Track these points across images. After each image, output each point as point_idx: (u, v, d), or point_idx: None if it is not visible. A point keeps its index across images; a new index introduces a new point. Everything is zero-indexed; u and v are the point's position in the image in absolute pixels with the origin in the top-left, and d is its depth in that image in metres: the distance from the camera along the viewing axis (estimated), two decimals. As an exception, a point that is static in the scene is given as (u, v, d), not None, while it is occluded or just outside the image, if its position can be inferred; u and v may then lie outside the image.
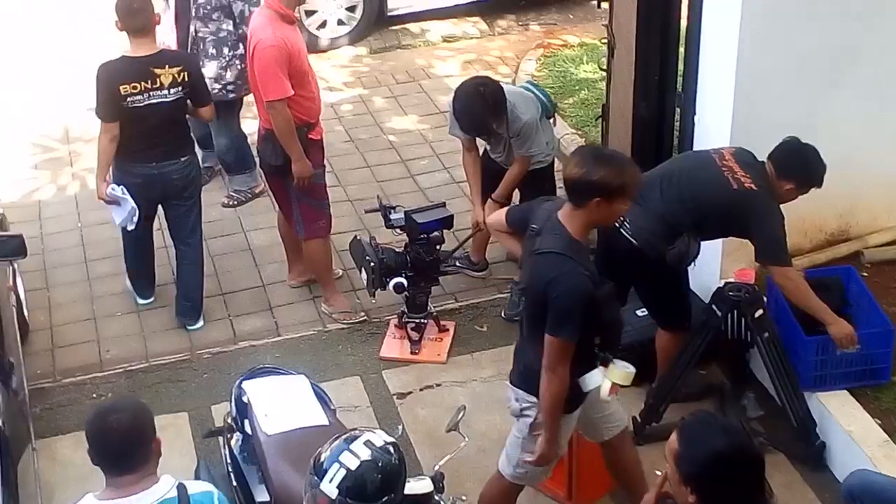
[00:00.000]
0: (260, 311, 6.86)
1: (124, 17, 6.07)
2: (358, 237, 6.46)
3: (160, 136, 6.27)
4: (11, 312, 5.96)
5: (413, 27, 10.30)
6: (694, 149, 6.13)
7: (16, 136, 8.70)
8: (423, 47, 10.05)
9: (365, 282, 6.32)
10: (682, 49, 6.25)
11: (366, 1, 9.92)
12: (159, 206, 6.63)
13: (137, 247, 6.77)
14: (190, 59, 6.57)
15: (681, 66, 6.32)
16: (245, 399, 4.85)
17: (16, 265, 6.43)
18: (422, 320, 6.44)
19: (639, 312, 5.87)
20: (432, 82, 9.33)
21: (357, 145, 8.46)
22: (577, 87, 8.96)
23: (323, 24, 9.92)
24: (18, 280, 6.57)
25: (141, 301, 6.96)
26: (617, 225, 5.32)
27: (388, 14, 10.09)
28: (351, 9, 9.92)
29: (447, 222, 6.30)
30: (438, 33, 10.24)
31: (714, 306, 5.52)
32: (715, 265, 6.06)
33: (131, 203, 6.33)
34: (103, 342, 6.62)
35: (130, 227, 6.44)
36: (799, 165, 5.22)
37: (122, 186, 6.30)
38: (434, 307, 6.53)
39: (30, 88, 9.29)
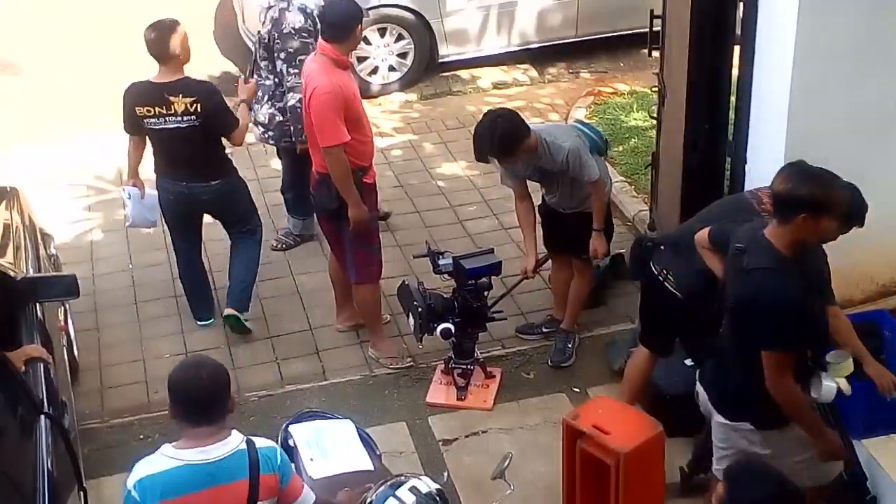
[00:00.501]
0: (307, 355, 6.87)
1: (146, 44, 6.47)
2: (406, 282, 6.47)
3: (183, 157, 6.59)
4: (62, 352, 6.02)
5: (464, 74, 10.35)
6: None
7: (71, 177, 8.80)
8: (474, 94, 10.09)
9: (412, 327, 6.32)
10: (733, 98, 6.23)
11: (417, 47, 9.98)
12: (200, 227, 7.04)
13: (184, 264, 7.10)
14: (206, 91, 6.60)
15: (732, 115, 6.29)
16: (291, 443, 4.85)
17: (68, 305, 6.50)
18: (468, 366, 6.43)
19: (687, 362, 5.83)
20: (482, 129, 9.38)
21: (406, 190, 8.50)
22: (627, 135, 8.96)
23: (374, 70, 9.99)
24: (70, 320, 6.64)
25: (198, 322, 7.13)
26: (661, 278, 5.32)
27: (440, 61, 10.15)
28: (402, 55, 9.99)
29: (495, 269, 6.29)
30: (489, 80, 10.28)
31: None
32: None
33: (129, 209, 6.97)
34: (151, 383, 6.66)
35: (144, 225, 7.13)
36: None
37: (129, 191, 6.88)
38: (481, 353, 6.51)
39: (87, 131, 9.41)
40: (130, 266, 7.78)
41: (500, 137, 6.03)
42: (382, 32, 9.83)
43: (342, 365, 6.77)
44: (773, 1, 5.65)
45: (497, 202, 8.14)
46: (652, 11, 6.97)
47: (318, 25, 6.53)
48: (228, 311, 6.94)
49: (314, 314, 7.21)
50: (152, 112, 6.46)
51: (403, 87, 10.10)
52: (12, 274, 5.74)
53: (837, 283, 5.12)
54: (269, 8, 7.21)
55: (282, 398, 6.48)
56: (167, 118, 6.46)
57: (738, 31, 5.97)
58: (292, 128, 7.23)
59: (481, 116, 6.33)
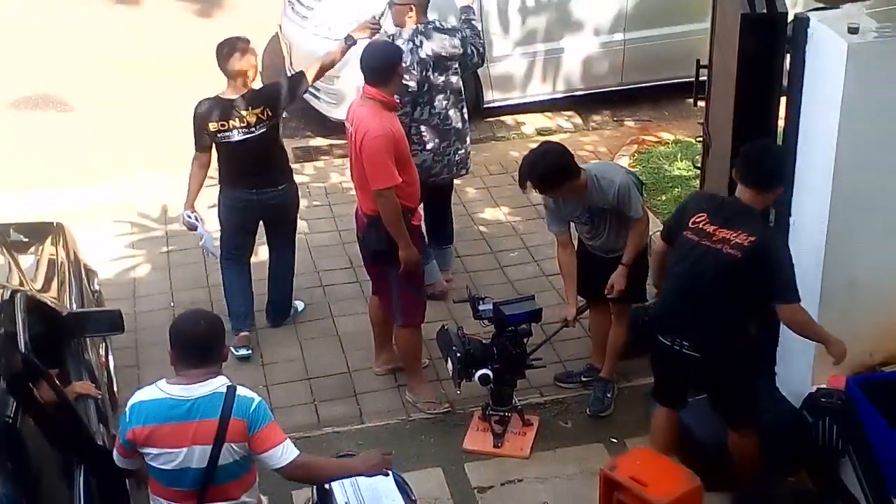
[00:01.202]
0: (345, 398, 6.87)
1: (217, 60, 6.82)
2: (446, 327, 6.46)
3: (255, 166, 6.96)
4: (104, 389, 6.03)
5: (508, 119, 10.37)
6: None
7: (116, 214, 8.88)
8: (518, 140, 10.10)
9: (451, 372, 6.31)
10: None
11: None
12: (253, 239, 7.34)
13: (232, 277, 7.32)
14: (271, 96, 6.97)
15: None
16: (326, 486, 4.84)
17: (109, 341, 6.53)
18: (506, 413, 6.40)
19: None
20: (525, 174, 9.38)
21: (448, 235, 8.51)
22: (670, 184, 8.93)
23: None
24: (110, 356, 6.67)
25: (234, 329, 7.23)
26: (676, 348, 5.38)
27: (484, 106, 10.17)
28: (447, 100, 10.01)
29: (535, 316, 6.27)
30: (533, 126, 10.30)
31: (805, 412, 5.41)
32: (806, 371, 5.94)
33: (204, 234, 7.14)
34: (189, 422, 6.65)
35: (213, 254, 7.33)
36: (776, 168, 5.42)
37: (195, 214, 7.07)
38: (519, 400, 6.48)
39: (132, 169, 9.51)
40: (172, 304, 7.82)
41: (544, 170, 6.09)
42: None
43: (380, 408, 6.76)
44: (820, 53, 5.63)
45: (538, 249, 8.13)
46: (698, 61, 6.98)
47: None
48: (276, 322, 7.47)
49: (353, 357, 7.21)
50: (225, 126, 6.84)
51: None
52: (57, 308, 5.79)
53: (885, 336, 5.07)
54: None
55: (318, 440, 6.46)
56: (239, 130, 6.84)
57: (785, 83, 5.95)
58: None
59: (537, 146, 6.40)
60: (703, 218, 5.30)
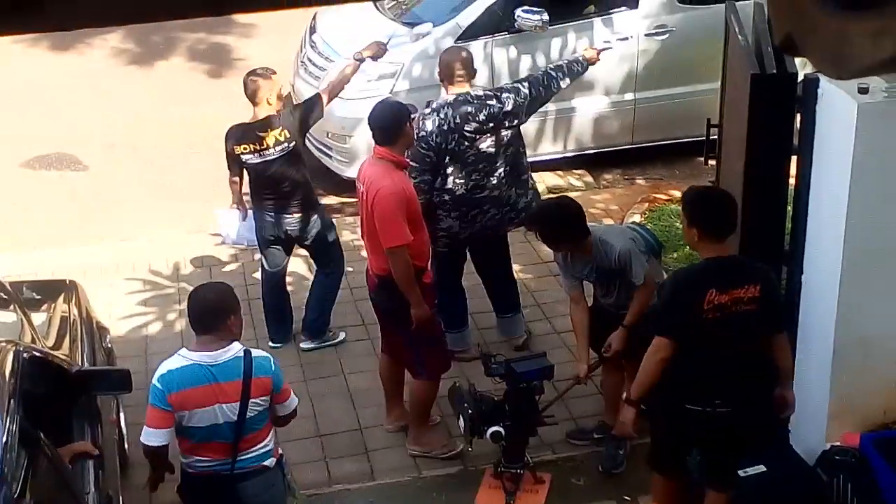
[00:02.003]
0: (356, 455, 6.85)
1: (244, 87, 7.40)
2: (458, 384, 6.46)
3: (274, 189, 7.40)
4: (113, 446, 6.04)
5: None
6: (801, 309, 6.06)
7: (128, 272, 8.92)
8: (529, 198, 10.13)
9: (462, 429, 6.29)
10: (789, 207, 6.22)
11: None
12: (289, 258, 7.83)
13: (269, 287, 7.85)
14: (287, 116, 7.33)
15: (788, 225, 6.28)
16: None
17: (120, 399, 6.54)
18: (518, 470, 6.37)
19: (741, 472, 5.74)
20: (537, 233, 9.41)
21: (460, 292, 8.52)
22: (681, 242, 8.90)
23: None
24: (122, 413, 6.67)
25: (271, 344, 7.66)
26: (709, 409, 5.33)
27: (496, 164, 10.21)
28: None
29: (547, 373, 6.27)
30: (544, 184, 10.32)
31: (819, 470, 5.38)
32: (820, 428, 5.92)
33: (228, 228, 7.96)
34: (200, 479, 6.64)
35: (232, 241, 8.17)
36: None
37: (224, 212, 7.88)
38: (531, 458, 6.46)
39: (144, 227, 9.56)
40: (184, 361, 7.82)
41: (545, 221, 6.23)
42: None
43: (391, 466, 6.74)
44: (830, 113, 5.67)
45: (550, 306, 8.14)
46: (709, 120, 7.02)
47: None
48: (305, 345, 7.83)
49: (364, 414, 7.20)
50: (248, 149, 7.31)
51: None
52: (67, 366, 5.80)
53: None
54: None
55: (329, 498, 6.45)
56: (261, 152, 7.30)
57: (795, 142, 5.99)
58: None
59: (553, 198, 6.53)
60: (713, 295, 5.19)
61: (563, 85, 7.52)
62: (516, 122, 7.26)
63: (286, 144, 7.28)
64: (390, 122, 6.38)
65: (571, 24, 9.88)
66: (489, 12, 9.70)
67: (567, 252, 6.32)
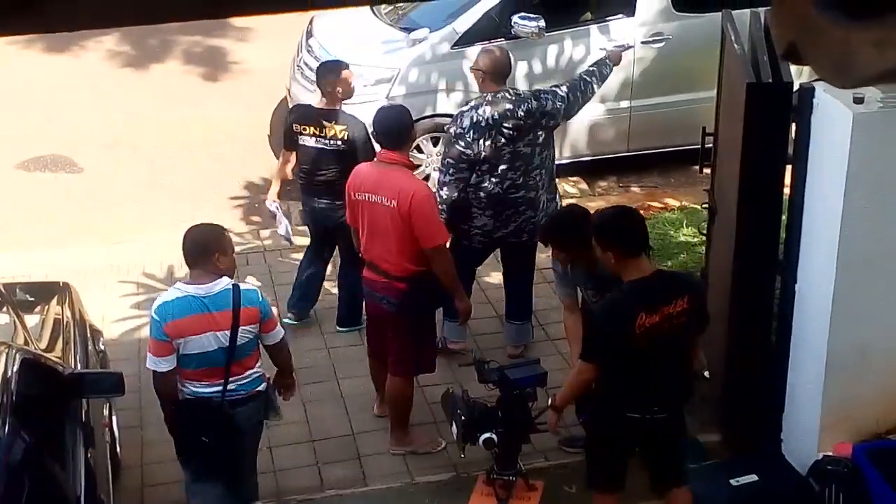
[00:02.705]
0: (348, 460, 6.84)
1: (315, 77, 7.78)
2: (451, 390, 6.45)
3: (321, 176, 7.57)
4: (105, 448, 6.03)
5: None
6: (794, 318, 6.07)
7: (122, 274, 8.90)
8: (524, 204, 10.13)
9: (455, 436, 6.28)
10: (784, 216, 6.23)
11: (469, 157, 10.05)
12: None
13: (303, 269, 8.03)
14: (356, 124, 7.46)
15: (782, 234, 6.29)
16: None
17: (113, 402, 6.52)
18: (511, 477, 6.36)
19: (733, 482, 5.75)
20: (531, 239, 9.40)
21: (454, 298, 8.52)
22: (676, 251, 8.95)
23: (427, 179, 10.07)
24: (114, 416, 6.66)
25: (287, 315, 7.94)
26: (648, 416, 5.38)
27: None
28: (454, 164, 10.06)
29: (541, 380, 6.26)
30: (539, 191, 10.33)
31: (811, 480, 5.38)
32: (813, 438, 5.92)
33: (283, 221, 8.08)
34: (192, 483, 6.63)
35: (288, 240, 8.28)
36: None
37: (276, 203, 8.04)
38: (523, 464, 6.45)
39: (139, 230, 9.55)
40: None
41: (562, 226, 6.24)
42: (435, 141, 9.94)
43: (384, 471, 6.73)
44: (825, 122, 5.68)
45: (544, 313, 8.13)
46: (704, 128, 7.03)
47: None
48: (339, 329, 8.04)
49: (357, 419, 7.19)
50: (308, 131, 7.55)
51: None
52: (59, 368, 5.79)
53: None
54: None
55: (321, 503, 6.43)
56: (318, 138, 7.50)
57: (791, 151, 5.99)
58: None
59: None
60: (643, 318, 5.16)
61: (596, 89, 7.66)
62: (552, 123, 7.32)
63: (341, 143, 7.45)
64: (399, 126, 6.46)
65: (568, 30, 9.88)
66: (486, 18, 9.71)
67: (573, 258, 6.28)
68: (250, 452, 5.91)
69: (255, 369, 5.72)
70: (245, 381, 5.67)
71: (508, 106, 7.12)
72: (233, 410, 5.64)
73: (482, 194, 7.22)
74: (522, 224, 7.31)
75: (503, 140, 7.12)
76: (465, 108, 7.26)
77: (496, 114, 7.09)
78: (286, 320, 7.85)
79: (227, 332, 5.52)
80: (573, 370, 5.55)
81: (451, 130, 7.22)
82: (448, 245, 6.73)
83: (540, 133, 7.22)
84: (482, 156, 7.12)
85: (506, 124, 7.10)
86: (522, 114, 7.13)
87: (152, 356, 5.58)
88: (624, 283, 5.30)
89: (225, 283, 5.56)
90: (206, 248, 5.57)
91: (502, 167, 7.17)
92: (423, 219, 6.32)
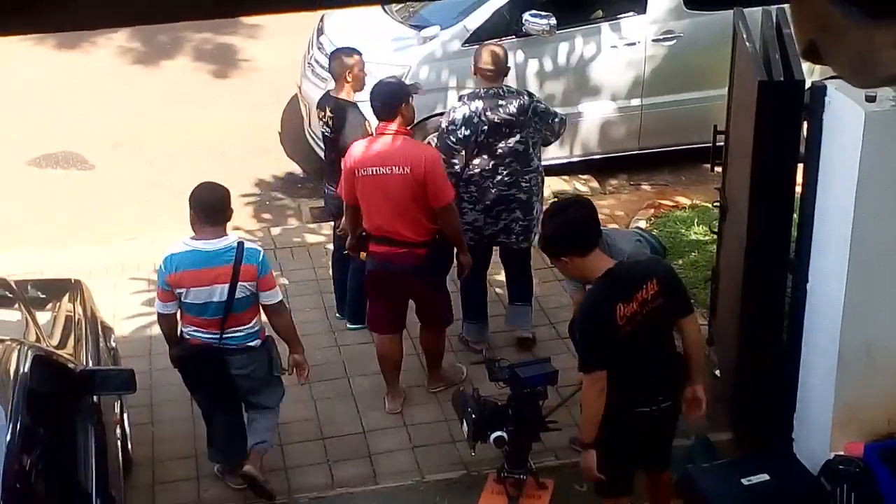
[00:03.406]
0: (359, 458, 6.84)
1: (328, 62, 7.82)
2: (461, 389, 6.46)
3: (332, 164, 7.48)
4: (116, 446, 6.04)
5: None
6: (806, 317, 6.05)
7: (133, 272, 8.91)
8: (534, 202, 10.12)
9: (466, 434, 6.28)
10: (796, 215, 6.22)
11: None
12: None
13: (335, 261, 8.12)
14: (344, 112, 7.35)
15: (794, 232, 6.27)
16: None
17: (124, 398, 6.54)
18: (521, 476, 6.36)
19: (745, 481, 5.74)
20: (541, 237, 9.39)
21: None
22: (687, 249, 8.93)
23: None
24: (125, 413, 6.67)
25: (348, 326, 8.00)
26: (654, 407, 5.39)
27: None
28: (465, 162, 10.05)
29: (551, 378, 6.25)
30: (550, 189, 10.30)
31: (823, 479, 5.37)
32: (824, 438, 5.91)
33: None
34: (203, 481, 6.65)
35: None
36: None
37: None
38: (534, 463, 6.45)
39: (149, 227, 9.56)
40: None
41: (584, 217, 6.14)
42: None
43: (394, 469, 6.73)
44: (837, 120, 5.67)
45: (554, 311, 8.13)
46: (715, 127, 7.02)
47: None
48: (350, 325, 7.99)
49: (368, 417, 7.19)
50: (319, 116, 7.67)
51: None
52: (71, 365, 5.80)
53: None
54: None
55: (332, 501, 6.44)
56: (323, 123, 7.59)
57: (802, 150, 5.98)
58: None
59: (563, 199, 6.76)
60: (621, 309, 5.15)
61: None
62: (545, 129, 7.32)
63: (329, 130, 7.49)
64: (388, 97, 6.68)
65: (579, 28, 9.87)
66: (497, 16, 9.70)
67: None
68: (263, 388, 6.37)
69: (250, 325, 6.16)
70: (239, 334, 6.13)
71: (501, 102, 7.14)
72: (228, 358, 6.15)
73: (473, 188, 7.23)
74: (512, 224, 7.32)
75: (495, 135, 7.13)
76: (457, 104, 7.29)
77: (488, 109, 7.10)
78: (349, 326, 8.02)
79: (227, 287, 5.97)
80: (584, 394, 5.41)
81: (443, 124, 7.25)
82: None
83: (533, 134, 7.24)
84: (474, 150, 7.14)
85: (497, 119, 7.11)
86: (514, 110, 7.14)
87: (158, 300, 6.23)
88: (593, 283, 5.29)
89: (232, 239, 6.08)
90: (222, 207, 6.05)
91: (493, 162, 7.18)
92: (436, 179, 6.57)
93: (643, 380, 5.32)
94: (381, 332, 7.16)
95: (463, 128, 7.09)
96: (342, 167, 6.85)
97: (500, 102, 7.14)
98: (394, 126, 6.63)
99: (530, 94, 7.39)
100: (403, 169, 6.52)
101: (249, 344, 6.17)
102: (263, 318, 6.34)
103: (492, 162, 7.17)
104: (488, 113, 7.10)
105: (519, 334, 7.74)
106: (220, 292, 5.98)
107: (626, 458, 5.55)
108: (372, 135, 6.98)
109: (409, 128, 6.82)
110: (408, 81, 7.94)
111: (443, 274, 7.02)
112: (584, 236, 5.22)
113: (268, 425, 6.44)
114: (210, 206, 6.00)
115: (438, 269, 6.95)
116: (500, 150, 7.16)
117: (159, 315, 6.27)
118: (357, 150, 6.73)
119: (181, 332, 6.25)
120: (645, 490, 5.81)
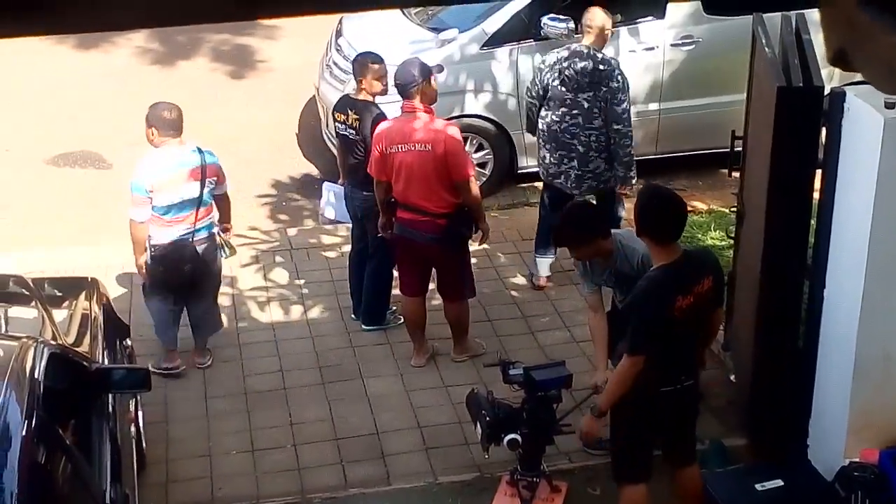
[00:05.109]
0: (372, 459, 6.85)
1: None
2: (475, 390, 6.45)
3: (348, 164, 7.87)
4: (130, 444, 6.05)
5: (541, 185, 10.38)
6: (823, 323, 6.03)
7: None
8: (551, 206, 10.11)
9: (479, 436, 6.28)
10: (813, 221, 6.20)
11: (497, 158, 10.07)
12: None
13: (353, 262, 8.16)
14: (364, 110, 7.63)
15: (811, 239, 6.25)
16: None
17: (139, 397, 6.55)
18: (534, 479, 6.36)
19: (758, 486, 5.72)
20: (557, 241, 9.38)
21: (479, 299, 8.47)
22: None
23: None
24: (140, 411, 6.68)
25: (363, 327, 8.07)
26: (678, 386, 5.49)
27: (518, 171, 10.22)
28: (482, 165, 10.06)
29: (565, 381, 6.24)
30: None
31: (837, 486, 5.35)
32: (839, 444, 5.89)
33: (327, 204, 8.83)
34: (216, 480, 6.66)
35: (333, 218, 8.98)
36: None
37: (333, 188, 8.80)
38: (547, 466, 6.44)
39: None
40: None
41: (592, 221, 6.30)
42: (464, 141, 9.92)
43: (407, 471, 6.73)
44: (856, 127, 5.65)
45: (569, 315, 8.12)
46: (734, 132, 7.00)
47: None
48: (365, 326, 8.08)
49: (381, 418, 7.20)
50: (339, 118, 7.81)
51: (482, 197, 10.13)
52: (86, 363, 5.81)
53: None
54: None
55: (345, 501, 6.45)
56: (344, 125, 7.74)
57: (821, 156, 5.96)
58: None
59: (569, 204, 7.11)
60: (680, 301, 5.29)
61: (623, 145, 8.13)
62: (611, 97, 7.89)
63: (353, 132, 7.66)
64: (405, 76, 7.13)
65: (597, 32, 9.84)
66: (516, 19, 9.70)
67: (577, 257, 6.30)
68: (213, 285, 7.57)
69: (212, 216, 7.29)
70: (206, 223, 7.22)
71: (576, 58, 7.95)
72: (198, 248, 7.19)
73: (543, 126, 8.13)
74: (569, 171, 8.06)
75: (567, 86, 7.95)
76: (553, 52, 8.19)
77: (566, 60, 7.95)
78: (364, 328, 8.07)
79: (198, 184, 7.06)
80: (620, 371, 5.51)
81: (537, 63, 8.48)
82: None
83: (600, 97, 7.89)
84: (548, 92, 8.02)
85: (568, 72, 7.93)
86: (585, 66, 7.90)
87: (133, 207, 7.13)
88: (655, 269, 5.40)
89: (192, 145, 7.16)
90: (181, 120, 7.12)
91: (563, 109, 7.99)
92: (455, 154, 7.07)
93: (673, 361, 5.45)
94: (406, 295, 7.63)
95: (547, 70, 8.03)
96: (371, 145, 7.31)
97: (576, 58, 7.92)
98: (417, 104, 7.08)
99: (608, 62, 7.99)
100: (425, 146, 7.03)
101: (213, 231, 7.31)
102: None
103: (561, 109, 7.98)
104: (564, 63, 7.92)
105: (536, 283, 8.58)
106: (190, 189, 7.05)
107: (649, 438, 5.61)
108: None
109: (431, 106, 7.20)
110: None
111: (464, 243, 7.44)
112: (672, 230, 5.40)
113: (213, 324, 7.72)
114: (179, 120, 7.09)
115: (459, 239, 7.35)
116: (568, 101, 7.95)
117: (133, 223, 7.16)
118: (383, 127, 7.25)
119: (151, 239, 7.16)
120: (674, 493, 5.79)
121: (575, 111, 7.93)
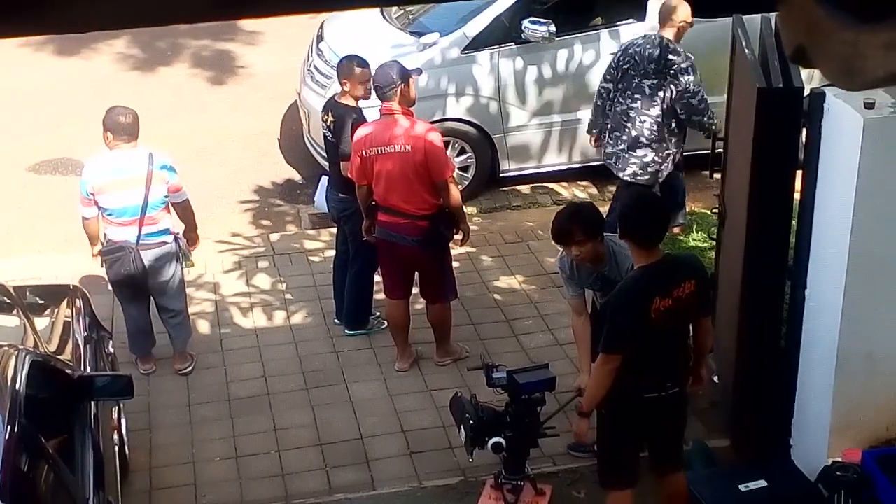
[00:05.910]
0: (357, 464, 6.84)
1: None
2: (459, 394, 6.45)
3: (331, 165, 7.92)
4: (113, 451, 6.03)
5: (524, 188, 10.41)
6: (804, 324, 6.05)
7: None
8: (533, 209, 10.12)
9: (463, 440, 6.27)
10: (794, 221, 6.21)
11: (479, 161, 10.07)
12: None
13: (337, 266, 8.15)
14: (344, 114, 7.56)
15: (792, 239, 6.27)
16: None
17: (122, 404, 6.53)
18: (519, 482, 6.35)
19: (742, 487, 5.73)
20: (540, 244, 9.36)
21: (462, 302, 8.48)
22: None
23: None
24: (123, 420, 6.66)
25: (346, 331, 8.07)
26: (663, 393, 5.48)
27: (500, 175, 10.23)
28: (464, 168, 10.07)
29: (549, 384, 6.25)
30: (549, 196, 10.34)
31: (820, 486, 5.37)
32: (822, 444, 5.90)
33: (320, 193, 8.35)
34: (200, 487, 6.65)
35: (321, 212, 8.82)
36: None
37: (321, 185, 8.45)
38: (531, 469, 6.44)
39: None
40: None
41: (588, 221, 6.21)
42: (446, 145, 9.92)
43: (392, 475, 6.73)
44: (836, 127, 5.67)
45: (553, 317, 8.13)
46: (715, 133, 7.02)
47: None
48: (348, 331, 8.05)
49: (365, 423, 7.19)
50: (323, 119, 7.82)
51: (463, 200, 10.13)
52: (69, 371, 5.79)
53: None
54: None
55: (330, 507, 6.44)
56: (327, 126, 7.72)
57: (801, 156, 5.98)
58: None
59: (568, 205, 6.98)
60: (658, 302, 5.30)
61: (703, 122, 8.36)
62: (676, 84, 8.14)
63: (329, 134, 7.70)
64: (383, 79, 7.10)
65: (578, 35, 9.88)
66: (497, 23, 9.71)
67: (577, 257, 6.27)
68: (169, 293, 7.45)
69: (162, 224, 7.24)
70: (154, 230, 7.21)
71: (648, 45, 8.27)
72: (143, 253, 7.20)
73: (609, 104, 8.47)
74: (619, 152, 8.36)
75: (635, 70, 8.25)
76: (633, 38, 8.62)
77: (639, 45, 8.28)
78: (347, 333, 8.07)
79: (143, 189, 7.04)
80: (595, 369, 5.57)
81: (617, 48, 8.81)
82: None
83: (664, 86, 8.15)
84: (618, 76, 8.35)
85: (636, 56, 8.24)
86: (652, 52, 8.18)
87: (81, 206, 7.27)
88: (636, 270, 5.44)
89: (143, 151, 7.15)
90: (136, 125, 7.13)
91: (627, 91, 8.29)
92: (437, 153, 7.10)
93: (656, 367, 5.44)
94: (389, 298, 7.62)
95: (621, 56, 8.39)
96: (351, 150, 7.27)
97: (646, 44, 8.26)
98: (395, 106, 7.04)
99: (677, 52, 8.18)
100: (405, 148, 7.01)
101: (162, 239, 7.25)
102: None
103: (626, 92, 8.29)
104: (639, 49, 8.25)
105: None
106: (135, 195, 7.05)
107: (634, 444, 5.61)
108: None
109: (410, 108, 7.19)
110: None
111: (445, 245, 7.43)
112: (654, 234, 5.43)
113: (184, 331, 7.65)
114: (133, 125, 7.11)
115: (440, 240, 7.33)
116: (634, 85, 8.25)
117: (84, 220, 7.33)
118: (362, 131, 7.20)
119: (104, 234, 7.27)
120: (660, 499, 5.80)
121: (637, 95, 8.22)
